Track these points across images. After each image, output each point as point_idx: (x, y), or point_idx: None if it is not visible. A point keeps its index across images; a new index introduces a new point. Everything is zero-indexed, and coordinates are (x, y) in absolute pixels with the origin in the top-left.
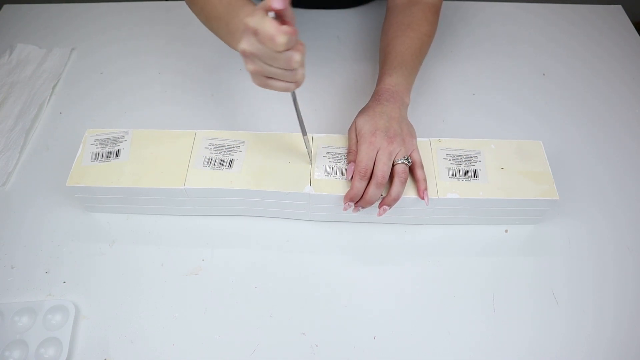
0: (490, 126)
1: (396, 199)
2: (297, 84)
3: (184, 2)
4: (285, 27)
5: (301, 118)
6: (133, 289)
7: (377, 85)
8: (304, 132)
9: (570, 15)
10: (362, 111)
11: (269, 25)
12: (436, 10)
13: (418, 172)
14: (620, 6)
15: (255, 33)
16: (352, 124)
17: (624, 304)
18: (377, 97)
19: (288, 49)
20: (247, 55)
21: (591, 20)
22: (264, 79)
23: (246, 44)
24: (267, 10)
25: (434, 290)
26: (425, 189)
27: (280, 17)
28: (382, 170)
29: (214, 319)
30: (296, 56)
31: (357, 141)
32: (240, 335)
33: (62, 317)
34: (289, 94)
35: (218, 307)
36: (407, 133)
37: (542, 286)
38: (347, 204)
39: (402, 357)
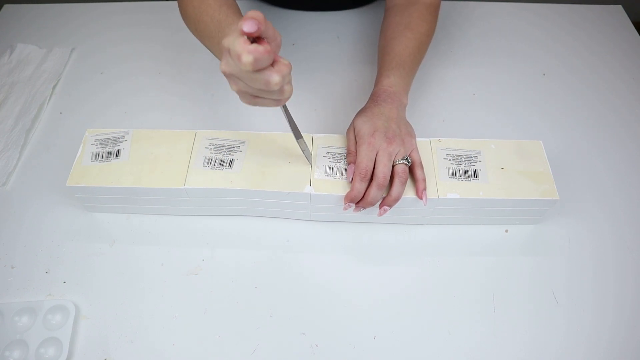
0: (490, 126)
1: (397, 199)
2: (285, 99)
3: None
4: (252, 47)
5: (293, 124)
6: (133, 289)
7: (374, 87)
8: (297, 136)
9: (570, 15)
10: (360, 112)
11: (236, 44)
12: (434, 10)
13: (417, 172)
14: (620, 6)
15: (229, 53)
16: (351, 125)
17: (624, 304)
18: (374, 98)
19: (260, 69)
20: (227, 76)
21: (591, 20)
22: (250, 97)
23: (224, 65)
24: (241, 33)
25: (434, 290)
26: (424, 189)
27: (258, 37)
28: (382, 172)
29: (214, 319)
30: (274, 77)
31: (355, 142)
32: (240, 335)
33: (62, 317)
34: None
35: (218, 307)
36: (405, 133)
37: (542, 286)
38: (347, 204)
39: (402, 357)
